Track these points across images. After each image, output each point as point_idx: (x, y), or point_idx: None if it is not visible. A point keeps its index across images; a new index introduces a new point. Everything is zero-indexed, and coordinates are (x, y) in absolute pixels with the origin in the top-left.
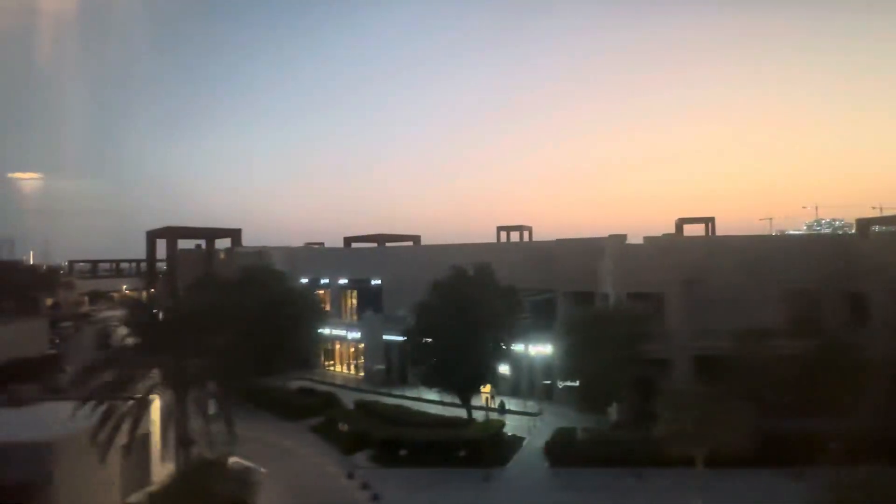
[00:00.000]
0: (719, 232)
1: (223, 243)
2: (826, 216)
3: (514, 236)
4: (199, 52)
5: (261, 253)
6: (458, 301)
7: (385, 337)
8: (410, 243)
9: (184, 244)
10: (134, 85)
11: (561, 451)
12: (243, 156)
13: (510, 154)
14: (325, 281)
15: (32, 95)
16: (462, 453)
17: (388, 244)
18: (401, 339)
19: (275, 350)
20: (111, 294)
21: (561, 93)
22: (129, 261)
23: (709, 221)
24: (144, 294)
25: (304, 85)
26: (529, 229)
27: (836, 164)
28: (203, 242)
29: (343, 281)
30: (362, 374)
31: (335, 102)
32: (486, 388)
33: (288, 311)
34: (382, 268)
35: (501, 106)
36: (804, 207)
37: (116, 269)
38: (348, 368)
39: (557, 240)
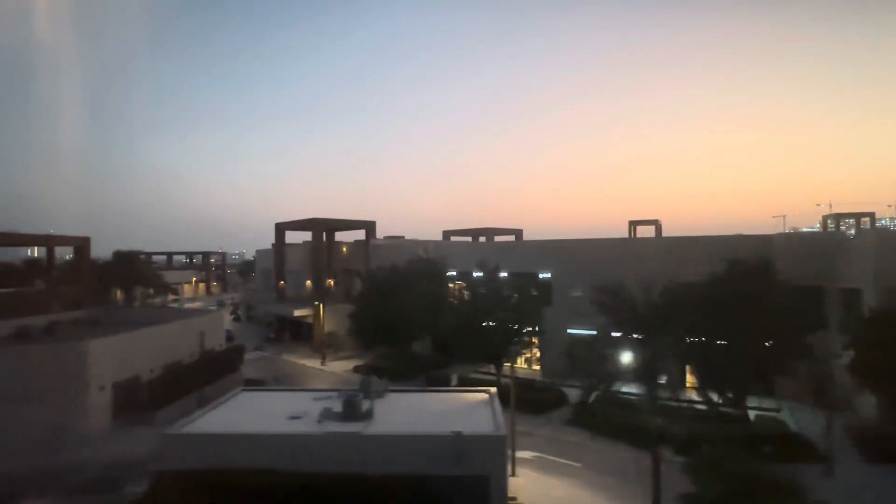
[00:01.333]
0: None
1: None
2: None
3: (643, 230)
4: (203, 51)
5: (426, 246)
6: (740, 296)
7: (569, 331)
8: (513, 237)
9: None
10: (136, 83)
11: (876, 447)
12: (276, 153)
13: (540, 150)
14: (477, 274)
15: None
16: (767, 449)
17: (496, 237)
18: (590, 332)
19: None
20: (175, 286)
21: (560, 93)
22: (182, 253)
23: (865, 216)
24: (213, 286)
25: (359, 84)
26: (659, 223)
27: (849, 162)
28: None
29: (503, 274)
30: (536, 367)
31: (377, 104)
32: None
33: (510, 305)
34: (552, 261)
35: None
36: (818, 205)
37: (169, 262)
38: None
39: (779, 233)
